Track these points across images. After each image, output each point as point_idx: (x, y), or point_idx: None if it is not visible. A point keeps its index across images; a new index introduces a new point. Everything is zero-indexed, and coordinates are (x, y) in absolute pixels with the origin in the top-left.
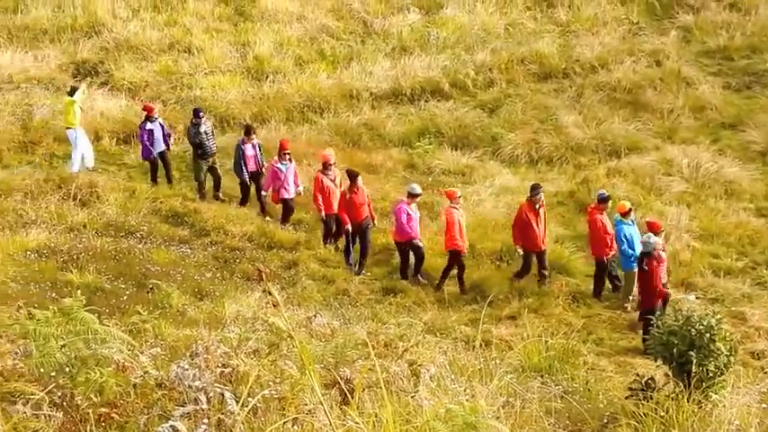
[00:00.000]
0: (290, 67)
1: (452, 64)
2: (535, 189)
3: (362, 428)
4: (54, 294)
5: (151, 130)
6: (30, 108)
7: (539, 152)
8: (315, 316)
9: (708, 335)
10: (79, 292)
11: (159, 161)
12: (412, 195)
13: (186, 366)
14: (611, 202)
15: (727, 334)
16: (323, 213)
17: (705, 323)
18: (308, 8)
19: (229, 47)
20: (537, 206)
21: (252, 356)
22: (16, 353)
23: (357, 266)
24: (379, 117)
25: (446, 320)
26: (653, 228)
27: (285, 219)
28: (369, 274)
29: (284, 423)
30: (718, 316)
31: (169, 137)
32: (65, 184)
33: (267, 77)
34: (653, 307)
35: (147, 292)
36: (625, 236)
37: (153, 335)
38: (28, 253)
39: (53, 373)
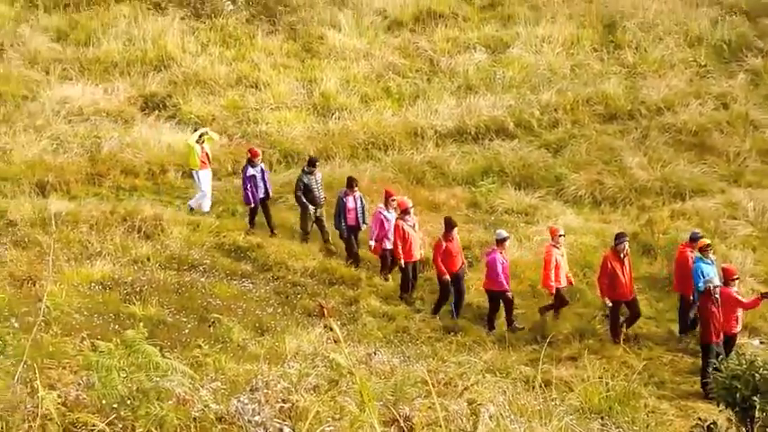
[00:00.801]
0: (356, 104)
1: (517, 103)
2: (620, 238)
3: None
4: (117, 326)
5: (253, 176)
6: (98, 140)
7: (602, 193)
8: (375, 353)
9: None
10: (141, 324)
11: (260, 208)
12: (501, 241)
13: (246, 401)
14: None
15: None
16: (402, 261)
17: None
18: (374, 46)
19: (296, 83)
20: (622, 255)
21: (311, 392)
22: (79, 384)
23: (454, 313)
24: (443, 155)
25: (506, 360)
26: (727, 274)
27: (387, 270)
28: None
29: None
30: None
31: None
32: (130, 216)
33: (333, 114)
34: (708, 345)
35: (209, 326)
36: (702, 273)
37: (213, 369)
38: (92, 284)
39: (115, 405)
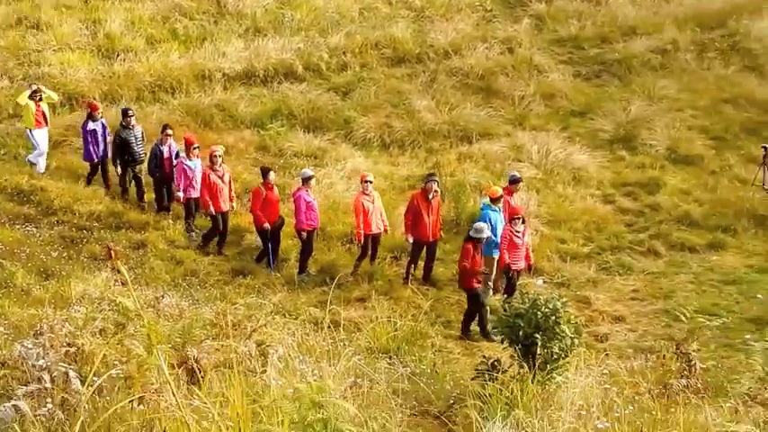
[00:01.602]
0: (142, 45)
1: (306, 46)
2: (429, 177)
3: (210, 408)
4: None
5: (94, 131)
6: None
7: (391, 136)
8: (163, 296)
9: (553, 318)
10: None
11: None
12: (306, 180)
13: (30, 345)
14: (521, 184)
15: (572, 317)
16: (212, 210)
17: (551, 306)
18: None
19: (79, 24)
20: (430, 196)
21: (98, 336)
22: None
23: (271, 263)
24: (232, 98)
25: (295, 302)
26: (513, 213)
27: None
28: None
29: (130, 402)
30: (564, 299)
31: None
32: None
33: (118, 56)
34: (470, 289)
35: None
36: (490, 221)
37: None
38: None
39: None
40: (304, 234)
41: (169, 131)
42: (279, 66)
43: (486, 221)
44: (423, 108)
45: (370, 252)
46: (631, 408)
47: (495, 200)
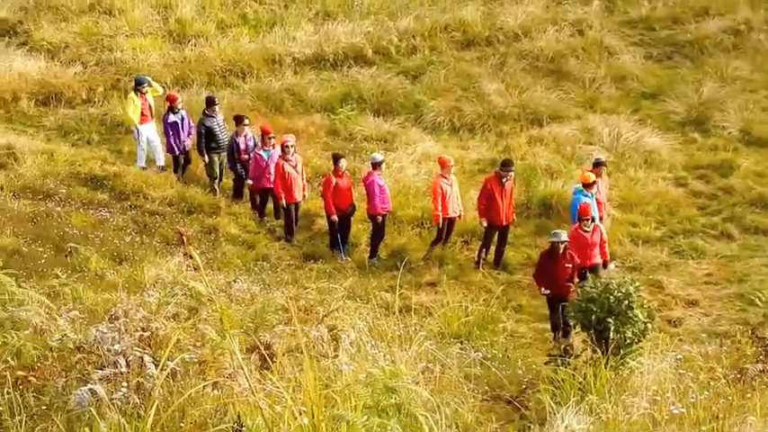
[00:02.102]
0: (213, 30)
1: (376, 30)
2: (505, 165)
3: (282, 392)
4: None
5: (175, 123)
6: None
7: (461, 120)
8: (235, 281)
9: (626, 302)
10: None
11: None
12: (377, 165)
13: (105, 330)
14: (604, 168)
15: (645, 301)
16: (284, 202)
17: (623, 290)
18: None
19: (151, 9)
20: (504, 180)
21: (172, 320)
22: None
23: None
24: (302, 82)
25: (366, 287)
26: (583, 213)
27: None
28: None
29: (204, 387)
30: (636, 284)
31: (189, 134)
32: None
33: (189, 41)
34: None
35: (66, 256)
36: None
37: (71, 298)
38: None
39: None
40: (379, 218)
41: (246, 122)
42: (348, 50)
43: (575, 208)
44: (493, 91)
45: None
46: (706, 393)
47: (587, 185)
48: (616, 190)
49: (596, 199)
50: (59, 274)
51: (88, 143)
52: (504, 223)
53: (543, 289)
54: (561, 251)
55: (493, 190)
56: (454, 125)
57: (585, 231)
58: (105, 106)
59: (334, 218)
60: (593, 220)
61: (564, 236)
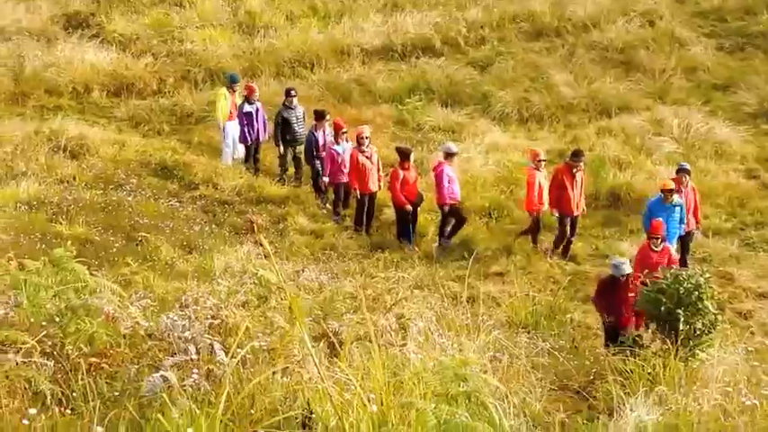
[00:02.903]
0: (281, 21)
1: (444, 21)
2: (576, 155)
3: (351, 380)
4: (44, 246)
5: (249, 113)
6: (21, 60)
7: (529, 110)
8: (303, 270)
9: (696, 293)
10: (69, 243)
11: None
12: (449, 155)
13: (176, 318)
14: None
15: (715, 293)
16: (358, 193)
17: (693, 282)
18: None
19: (221, 1)
20: (574, 170)
21: (241, 308)
22: (7, 303)
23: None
24: (370, 73)
25: (433, 276)
26: (654, 231)
27: (343, 205)
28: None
29: (273, 374)
30: (707, 275)
31: (265, 125)
32: (55, 136)
33: (258, 32)
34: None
35: (137, 245)
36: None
37: (142, 286)
38: (18, 205)
39: (44, 323)
40: (446, 208)
41: (327, 117)
42: (417, 40)
43: (647, 220)
44: (561, 82)
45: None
46: None
47: (666, 193)
48: None
49: (685, 206)
50: (130, 262)
51: (158, 134)
52: (575, 214)
53: (606, 316)
54: (623, 282)
55: (564, 180)
56: (522, 116)
57: (653, 251)
58: (175, 97)
59: (408, 207)
60: (663, 240)
61: (626, 267)
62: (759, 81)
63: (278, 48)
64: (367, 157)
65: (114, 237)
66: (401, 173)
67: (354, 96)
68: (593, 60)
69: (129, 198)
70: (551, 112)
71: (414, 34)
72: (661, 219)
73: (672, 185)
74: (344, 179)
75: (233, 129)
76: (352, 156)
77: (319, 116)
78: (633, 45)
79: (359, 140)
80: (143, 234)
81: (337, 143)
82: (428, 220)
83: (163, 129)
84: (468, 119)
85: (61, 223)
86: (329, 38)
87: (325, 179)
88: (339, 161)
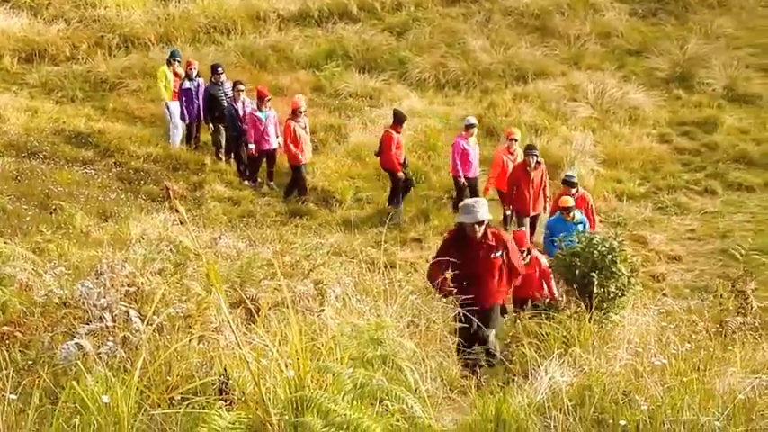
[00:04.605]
0: None
1: None
2: (529, 149)
3: (268, 346)
4: None
5: (189, 90)
6: None
7: (446, 76)
8: (220, 237)
9: (609, 256)
10: None
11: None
12: (468, 127)
13: (91, 285)
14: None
15: (629, 256)
16: (302, 159)
17: (607, 245)
18: None
19: None
20: (530, 169)
21: (157, 276)
22: None
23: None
24: (287, 39)
25: (351, 243)
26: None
27: (271, 175)
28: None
29: (190, 340)
30: (620, 238)
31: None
32: None
33: None
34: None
35: (51, 213)
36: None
37: (57, 255)
38: None
39: None
40: (461, 180)
41: (240, 87)
42: (333, 6)
43: (546, 240)
44: (478, 48)
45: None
46: (688, 345)
47: (564, 211)
48: (600, 146)
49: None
50: (44, 231)
51: (72, 101)
52: (534, 213)
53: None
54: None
55: (520, 179)
56: (439, 81)
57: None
58: (89, 63)
59: (401, 174)
60: (529, 252)
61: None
62: (671, 46)
63: (193, 14)
64: (302, 128)
65: (27, 205)
66: (396, 136)
67: (271, 62)
68: (510, 26)
69: (43, 166)
70: (468, 77)
71: (330, 0)
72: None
73: (571, 203)
74: (267, 146)
75: (177, 108)
76: (287, 127)
77: (233, 86)
78: (548, 11)
79: (295, 113)
80: (57, 202)
81: (260, 110)
82: (346, 186)
83: (76, 96)
84: (386, 85)
85: None
86: (245, 3)
87: (251, 146)
88: (262, 128)
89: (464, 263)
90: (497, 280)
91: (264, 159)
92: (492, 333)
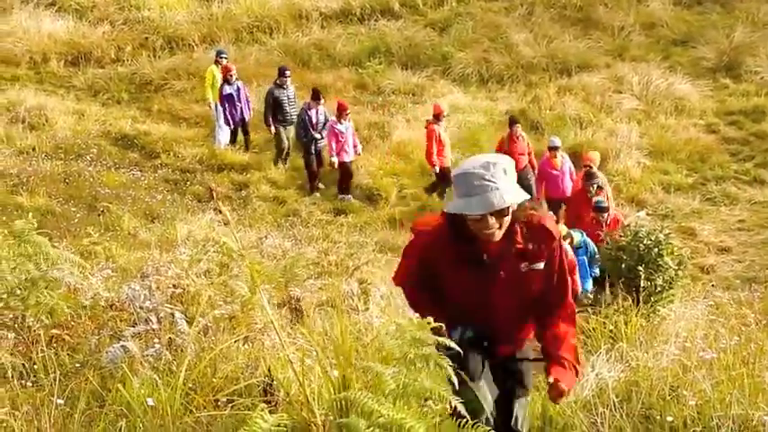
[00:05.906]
0: None
1: None
2: (590, 177)
3: (313, 346)
4: (4, 218)
5: (230, 95)
6: None
7: (489, 71)
8: (266, 237)
9: (656, 250)
10: (30, 215)
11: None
12: (552, 149)
13: (137, 287)
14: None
15: (675, 248)
16: (437, 168)
17: (653, 238)
18: None
19: None
20: (590, 195)
21: (203, 277)
22: None
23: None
24: (329, 37)
25: (397, 240)
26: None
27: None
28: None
29: (235, 342)
30: (666, 231)
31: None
32: (13, 107)
33: None
34: None
35: (98, 215)
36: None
37: (104, 257)
38: None
39: (4, 295)
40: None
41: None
42: (375, 3)
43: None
44: (521, 42)
45: None
46: (737, 339)
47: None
48: (646, 138)
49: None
50: (92, 233)
51: (118, 102)
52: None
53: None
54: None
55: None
56: (482, 76)
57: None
58: (134, 65)
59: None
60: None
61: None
62: (717, 35)
63: (236, 13)
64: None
65: (76, 207)
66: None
67: (314, 61)
68: (552, 19)
69: (90, 168)
70: (511, 72)
71: None
72: None
73: (565, 230)
74: (347, 158)
75: (221, 109)
76: (431, 130)
77: (315, 96)
78: (591, 2)
79: (438, 117)
80: (105, 204)
81: (340, 122)
82: (390, 183)
83: (122, 97)
84: (429, 81)
85: (22, 195)
86: (287, 2)
87: (333, 159)
88: (342, 140)
89: (462, 285)
90: (526, 311)
91: (339, 171)
92: (519, 405)
